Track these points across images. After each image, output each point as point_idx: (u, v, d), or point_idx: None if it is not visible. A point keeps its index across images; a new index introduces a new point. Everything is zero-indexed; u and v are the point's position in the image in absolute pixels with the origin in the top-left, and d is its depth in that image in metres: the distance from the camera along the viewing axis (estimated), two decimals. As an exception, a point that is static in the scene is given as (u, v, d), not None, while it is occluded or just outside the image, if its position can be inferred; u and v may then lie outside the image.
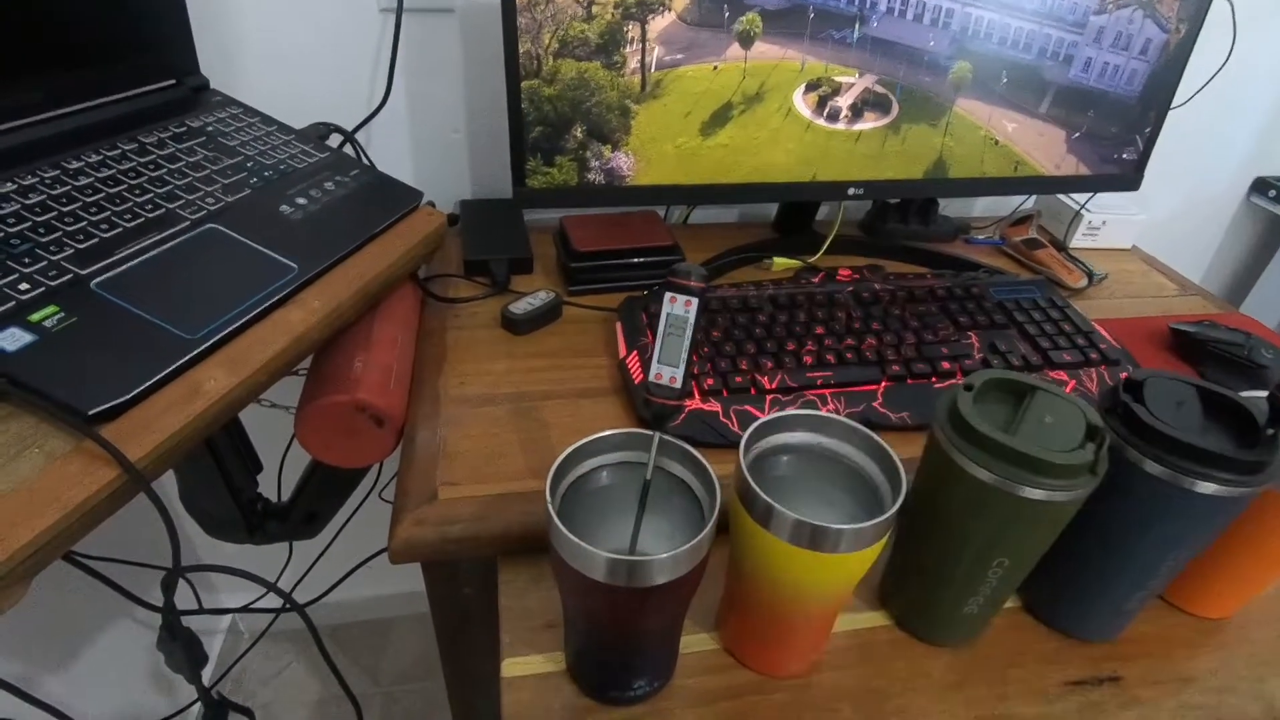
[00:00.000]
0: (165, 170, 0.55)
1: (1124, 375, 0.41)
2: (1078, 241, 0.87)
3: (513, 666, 0.41)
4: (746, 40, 0.61)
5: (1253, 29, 0.90)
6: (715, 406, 0.54)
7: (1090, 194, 0.86)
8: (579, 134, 0.63)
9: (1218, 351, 0.65)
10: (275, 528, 0.72)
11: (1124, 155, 0.75)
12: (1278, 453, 0.36)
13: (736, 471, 0.36)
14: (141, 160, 0.55)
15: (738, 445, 0.36)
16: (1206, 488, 0.36)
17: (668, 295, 0.35)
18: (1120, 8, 0.66)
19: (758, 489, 0.34)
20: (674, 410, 0.36)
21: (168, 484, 0.69)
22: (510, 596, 0.45)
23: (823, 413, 0.39)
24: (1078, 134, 0.72)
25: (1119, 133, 0.73)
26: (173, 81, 0.64)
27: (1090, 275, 0.80)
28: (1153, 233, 0.94)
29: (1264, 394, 0.39)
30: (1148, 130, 0.74)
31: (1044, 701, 0.42)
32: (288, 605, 0.52)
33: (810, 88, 0.65)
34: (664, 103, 0.63)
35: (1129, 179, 0.77)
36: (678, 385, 0.35)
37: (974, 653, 0.44)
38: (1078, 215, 0.86)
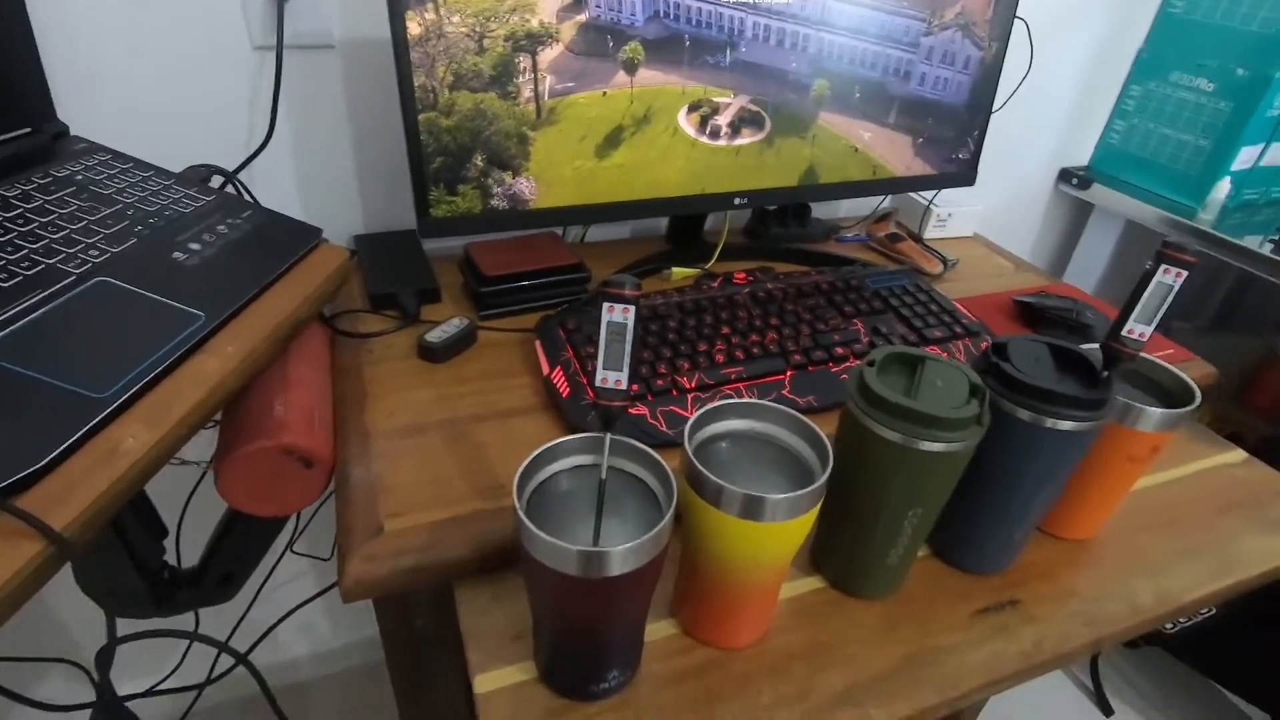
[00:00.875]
0: (36, 224, 0.52)
1: (985, 344, 0.49)
2: (930, 232, 0.99)
3: (485, 682, 0.42)
4: (631, 67, 0.66)
5: (1047, 42, 1.06)
6: (643, 410, 0.58)
7: (936, 191, 0.98)
8: (480, 162, 0.64)
9: (1053, 316, 0.76)
10: (186, 595, 0.67)
11: (959, 155, 0.86)
12: (1113, 391, 0.44)
13: (683, 459, 0.39)
14: (6, 215, 0.51)
15: (668, 444, 0.39)
16: (1065, 425, 0.43)
17: (606, 305, 0.38)
18: (944, 29, 0.76)
19: (706, 471, 0.37)
20: (622, 411, 0.38)
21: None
22: (472, 616, 0.46)
23: (752, 400, 0.43)
24: (921, 139, 0.83)
25: (954, 136, 0.84)
26: (27, 130, 0.59)
27: (945, 261, 0.90)
28: (987, 221, 1.07)
29: (1097, 346, 0.47)
30: (975, 133, 0.86)
31: (961, 630, 0.48)
32: (210, 677, 0.49)
33: (692, 108, 0.70)
34: (560, 128, 0.66)
35: (966, 176, 0.88)
36: (623, 387, 0.38)
37: (899, 600, 0.50)
38: (928, 210, 0.97)
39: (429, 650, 0.53)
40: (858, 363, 0.66)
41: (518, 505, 0.35)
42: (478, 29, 0.59)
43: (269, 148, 0.74)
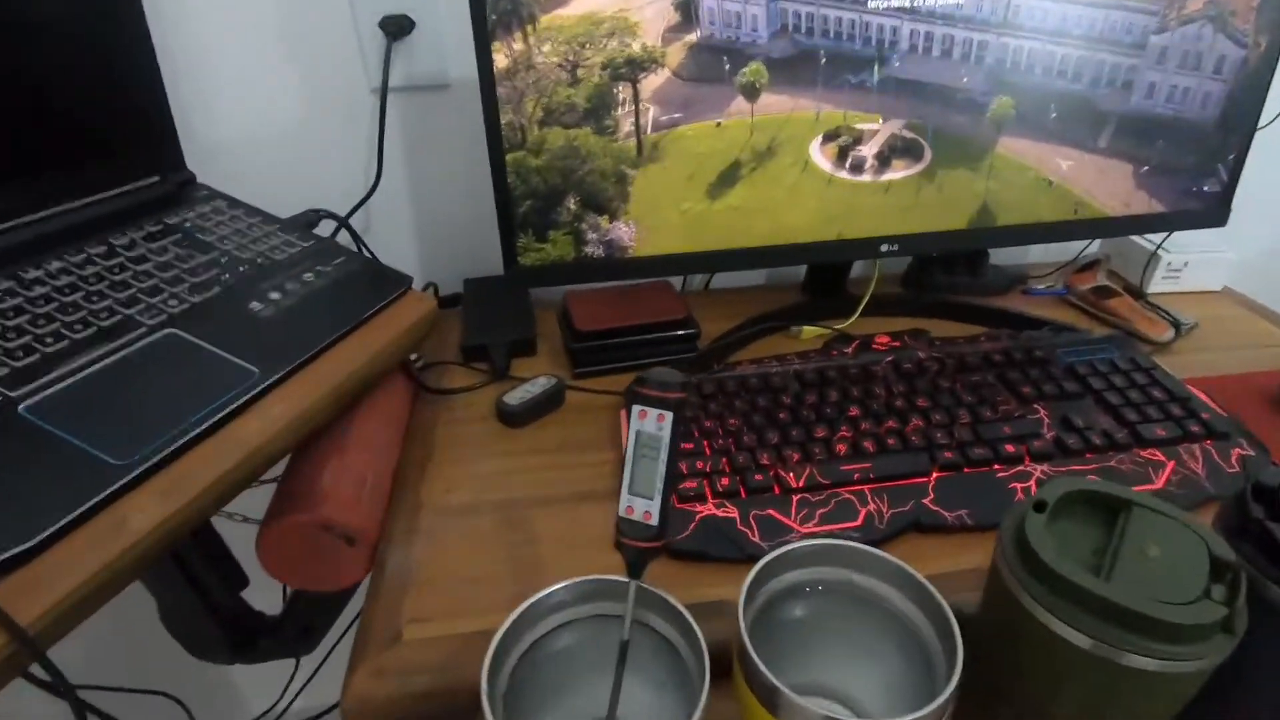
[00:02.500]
0: (131, 273, 0.52)
1: (1236, 453, 0.32)
2: (1157, 286, 0.76)
3: None
4: (752, 93, 0.55)
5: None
6: (732, 511, 0.46)
7: (1167, 233, 0.76)
8: (573, 205, 0.57)
9: (1354, 416, 0.53)
10: (268, 644, 0.66)
11: (1205, 187, 0.65)
12: None
13: (736, 633, 0.28)
14: (106, 264, 0.52)
15: (759, 558, 0.28)
16: (1396, 644, 0.26)
17: (636, 409, 0.28)
18: (1185, 24, 0.58)
19: (762, 667, 0.26)
20: (652, 553, 0.28)
21: (146, 602, 0.64)
22: (482, 767, 0.37)
23: (845, 543, 0.30)
24: (1147, 168, 0.63)
25: (1197, 162, 0.64)
26: (156, 178, 0.62)
27: (1177, 325, 0.69)
28: (1246, 272, 0.82)
29: None
30: (1231, 157, 0.64)
31: None
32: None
33: (828, 138, 0.58)
34: (664, 166, 0.57)
35: (1214, 213, 0.67)
36: (653, 522, 0.27)
37: (1077, 847, 0.34)
38: (1154, 256, 0.75)
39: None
40: (1035, 468, 0.49)
41: (486, 703, 0.26)
42: (570, 58, 0.52)
43: (383, 191, 0.73)
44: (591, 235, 0.59)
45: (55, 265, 0.51)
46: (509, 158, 0.55)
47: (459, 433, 0.58)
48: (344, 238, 0.69)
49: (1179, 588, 0.26)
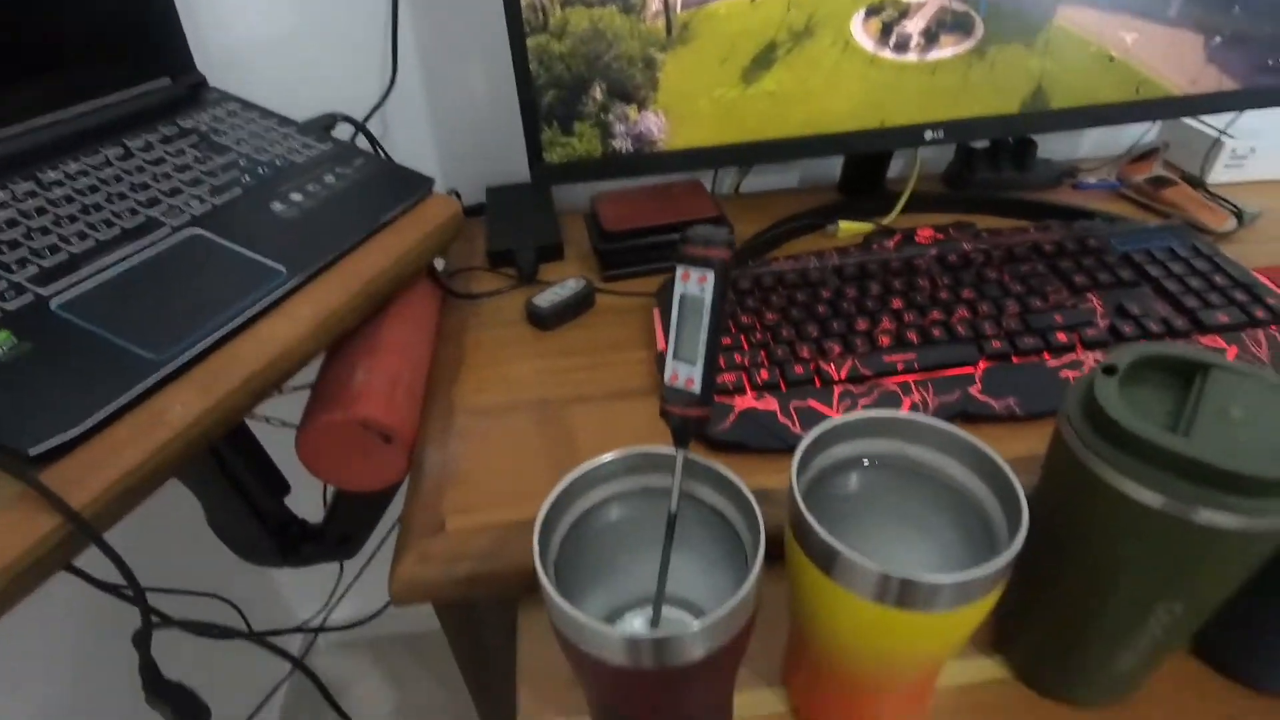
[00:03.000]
0: (149, 174, 0.51)
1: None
2: (1218, 176, 0.72)
3: (531, 736, 0.34)
4: (789, -39, 0.51)
5: None
6: (772, 403, 0.45)
7: (1233, 116, 0.71)
8: (599, 95, 0.54)
9: None
10: (311, 550, 0.68)
11: (1281, 61, 0.60)
12: None
13: (788, 499, 0.27)
14: (124, 166, 0.51)
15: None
16: None
17: (679, 270, 0.26)
18: None
19: (815, 524, 0.25)
20: (697, 422, 0.27)
21: (194, 509, 0.66)
22: (530, 647, 0.38)
23: (900, 414, 0.29)
24: (1220, 39, 0.58)
25: (1276, 31, 0.58)
26: (167, 81, 0.60)
27: (1239, 215, 0.65)
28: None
29: None
30: (1313, 25, 0.59)
31: (1234, 787, 0.31)
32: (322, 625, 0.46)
33: (871, 13, 0.54)
34: (695, 48, 0.53)
35: (1289, 90, 0.62)
36: (695, 388, 0.26)
37: (1128, 711, 0.34)
38: (1217, 143, 0.70)
39: (503, 673, 0.46)
40: (1087, 355, 0.47)
41: (540, 566, 0.25)
42: (593, -74, 0.48)
43: (398, 93, 0.70)
44: (619, 127, 0.56)
45: (73, 167, 0.49)
46: (530, 42, 0.52)
47: (489, 336, 0.57)
48: (361, 143, 0.67)
49: (1262, 446, 0.25)
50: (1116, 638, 0.30)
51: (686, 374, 0.27)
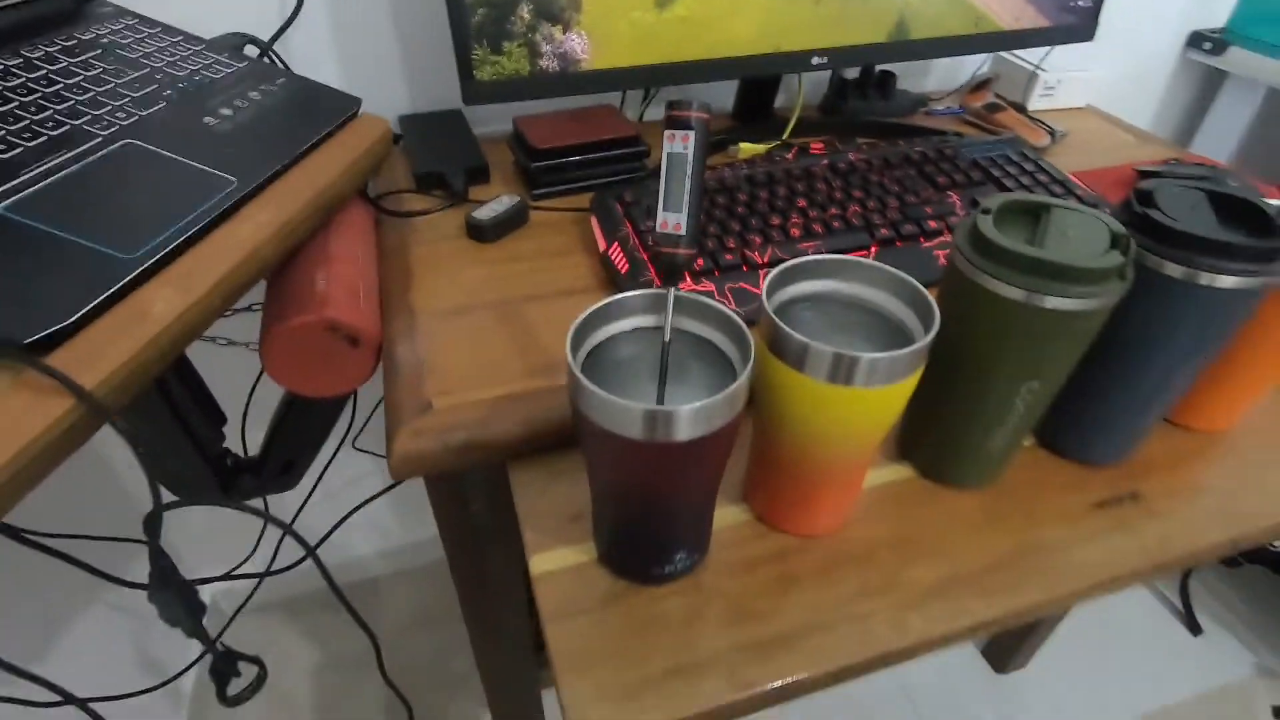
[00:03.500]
0: (60, 85, 0.48)
1: (1131, 189, 0.40)
2: (1035, 104, 0.87)
3: (542, 562, 0.39)
4: (696, -107, 0.57)
5: None
6: (709, 286, 0.52)
7: (1045, 51, 0.85)
8: (526, 14, 0.57)
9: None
10: (249, 483, 0.67)
11: (1078, 2, 0.74)
12: (1290, 242, 0.36)
13: (762, 319, 0.34)
14: (30, 75, 0.48)
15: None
16: (1226, 281, 0.36)
17: (666, 134, 0.32)
18: None
19: (789, 329, 0.32)
20: (686, 260, 0.33)
21: (122, 447, 0.63)
22: (527, 498, 0.43)
23: (841, 256, 0.37)
24: (1035, -18, 0.70)
25: (1074, -22, 0.72)
26: (51, -9, 0.56)
27: (1052, 133, 0.79)
28: (1101, 91, 0.94)
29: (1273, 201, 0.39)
30: (1101, -26, 0.73)
31: (1073, 524, 0.42)
32: (270, 568, 0.48)
33: (766, -54, 0.61)
34: (614, -28, 0.58)
35: (1085, 28, 0.76)
36: (682, 231, 0.32)
37: (999, 491, 0.44)
38: (1034, 76, 0.85)
39: (487, 536, 0.51)
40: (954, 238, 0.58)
41: (572, 363, 0.31)
42: None
43: (305, 19, 0.69)
44: (545, 48, 0.59)
45: (-29, 75, 0.46)
46: (460, -40, 0.54)
47: (432, 250, 0.59)
48: (270, 66, 0.65)
49: (1089, 252, 0.35)
50: (993, 419, 0.40)
51: (674, 220, 0.32)
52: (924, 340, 0.32)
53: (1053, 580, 0.39)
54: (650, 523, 0.35)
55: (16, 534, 0.51)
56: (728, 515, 0.42)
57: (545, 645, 0.36)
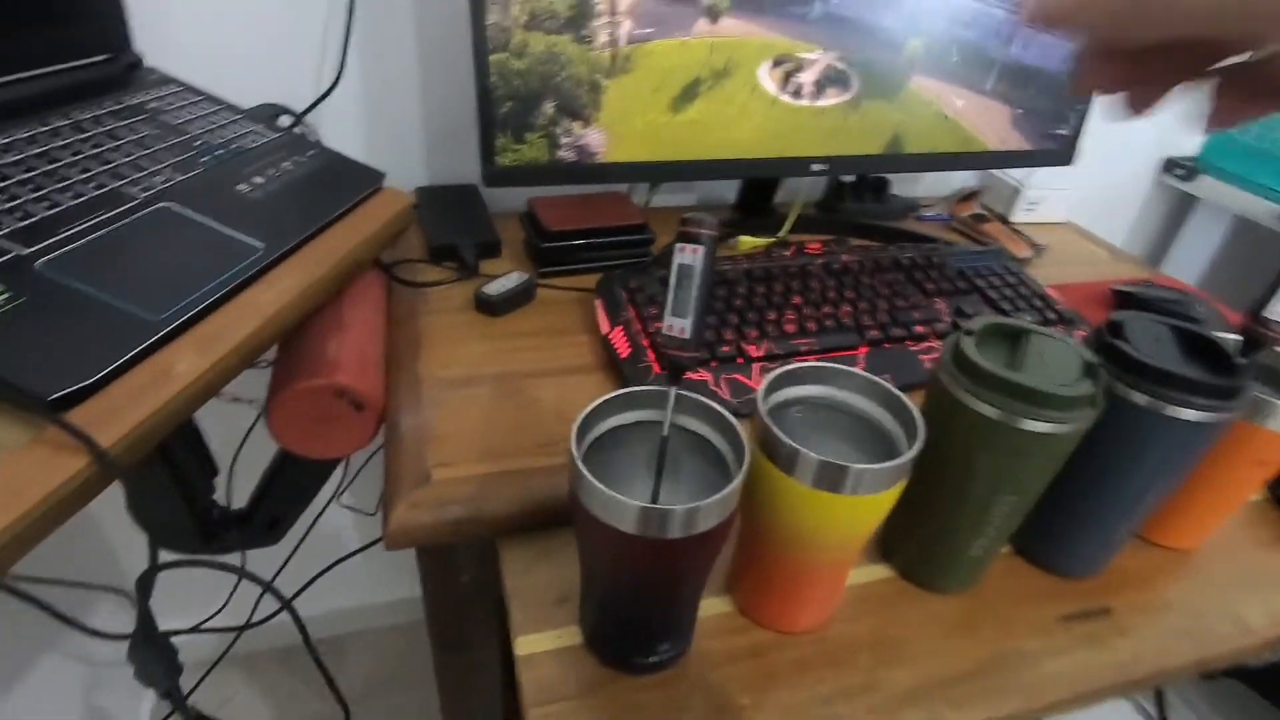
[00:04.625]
0: (106, 148, 0.51)
1: (1082, 333, 0.43)
2: (1018, 216, 0.92)
3: (527, 644, 0.40)
4: (714, 14, 0.62)
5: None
6: (706, 376, 0.54)
7: (1030, 170, 0.91)
8: (549, 110, 0.62)
9: (1160, 309, 0.69)
10: (234, 536, 0.67)
11: (1059, 131, 0.80)
12: (1248, 380, 0.39)
13: (756, 421, 0.36)
14: (79, 136, 0.51)
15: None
16: (1189, 414, 0.38)
17: (678, 246, 0.35)
18: (1056, -12, 0.70)
19: (781, 434, 0.34)
20: (689, 362, 0.35)
21: (113, 492, 0.63)
22: (516, 576, 0.44)
23: (832, 364, 0.39)
24: (1020, 110, 0.76)
25: (1054, 109, 0.77)
26: (105, 57, 0.59)
27: (1035, 246, 0.84)
28: (1079, 208, 1.00)
29: (1231, 336, 0.42)
30: (1079, 107, 0.79)
31: (1045, 636, 0.43)
32: (250, 621, 0.48)
33: (776, 64, 0.66)
34: (634, 78, 0.62)
35: (1064, 154, 0.81)
36: (686, 335, 0.35)
37: (976, 597, 0.45)
38: (1018, 191, 0.90)
39: (471, 609, 0.51)
40: (939, 343, 0.61)
41: (575, 453, 0.32)
42: (556, -35, 0.56)
43: (338, 91, 0.73)
44: (565, 139, 0.63)
45: (23, 134, 0.49)
46: (493, 59, 0.58)
47: (441, 321, 0.62)
48: (301, 135, 0.69)
49: (1063, 379, 0.37)
50: (970, 529, 0.42)
51: (679, 325, 0.35)
52: (909, 454, 0.34)
53: (1025, 693, 0.40)
54: (637, 612, 0.36)
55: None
56: (711, 605, 0.43)
57: (524, 729, 0.37)
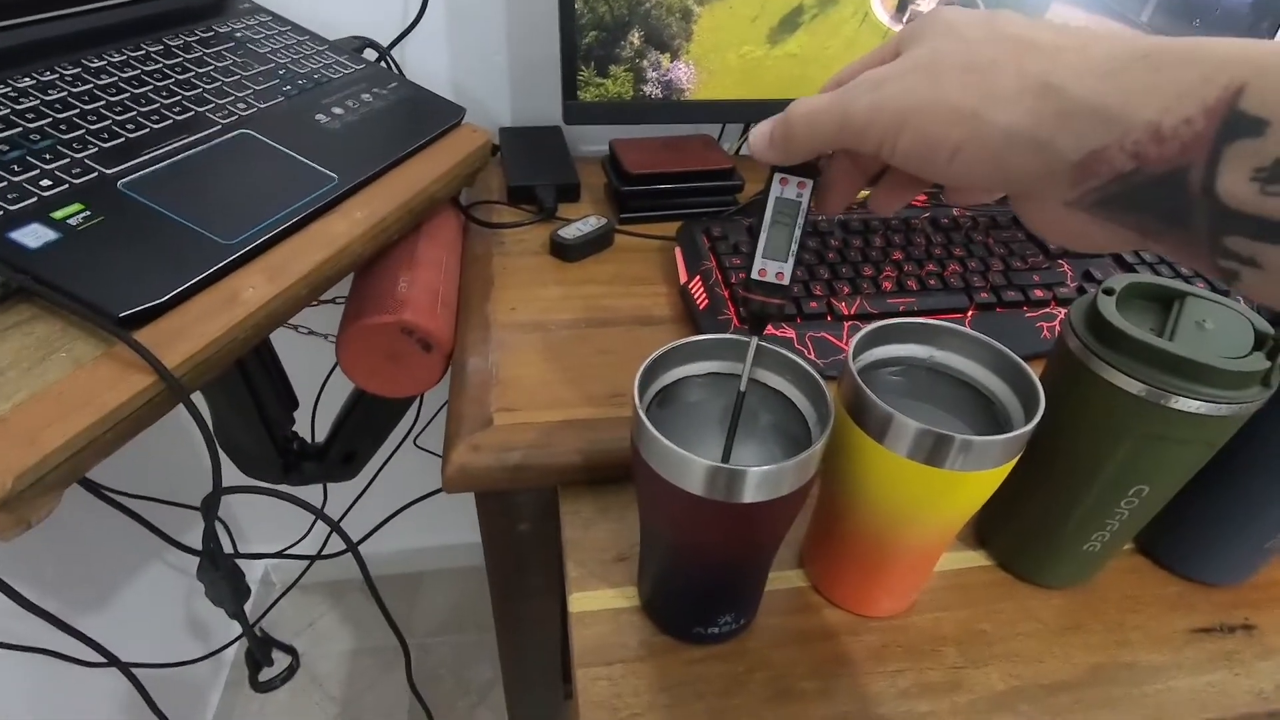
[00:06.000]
0: (193, 74, 0.51)
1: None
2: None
3: (582, 601, 0.38)
4: (823, -68, 0.55)
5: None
6: (789, 333, 0.50)
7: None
8: (635, 40, 0.57)
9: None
10: (312, 468, 0.69)
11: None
12: None
13: (844, 380, 0.32)
14: (167, 62, 0.51)
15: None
16: (1393, 404, 0.31)
17: (777, 177, 0.30)
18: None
19: (873, 395, 0.30)
20: (779, 310, 0.31)
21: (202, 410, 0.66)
22: (575, 529, 0.42)
23: (939, 322, 0.34)
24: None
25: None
26: (198, -15, 0.59)
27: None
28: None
29: None
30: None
31: (1170, 650, 0.38)
32: (330, 548, 0.49)
33: (890, -11, 0.59)
34: (729, 4, 0.57)
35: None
36: (785, 280, 0.30)
37: (1087, 596, 0.40)
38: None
39: (530, 556, 0.50)
40: (1060, 309, 0.54)
41: (638, 404, 0.29)
42: (650, -124, 0.51)
43: (423, 28, 0.71)
44: (651, 74, 0.59)
45: (117, 58, 0.49)
46: (578, -18, 0.54)
47: (514, 264, 0.60)
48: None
49: (1228, 351, 0.31)
50: (1091, 520, 0.36)
51: (776, 269, 0.31)
52: (1026, 427, 0.29)
53: (1141, 711, 0.35)
54: (699, 581, 0.33)
55: (96, 489, 0.53)
56: (781, 578, 0.40)
57: (573, 684, 0.35)
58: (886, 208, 0.31)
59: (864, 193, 0.32)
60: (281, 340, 0.61)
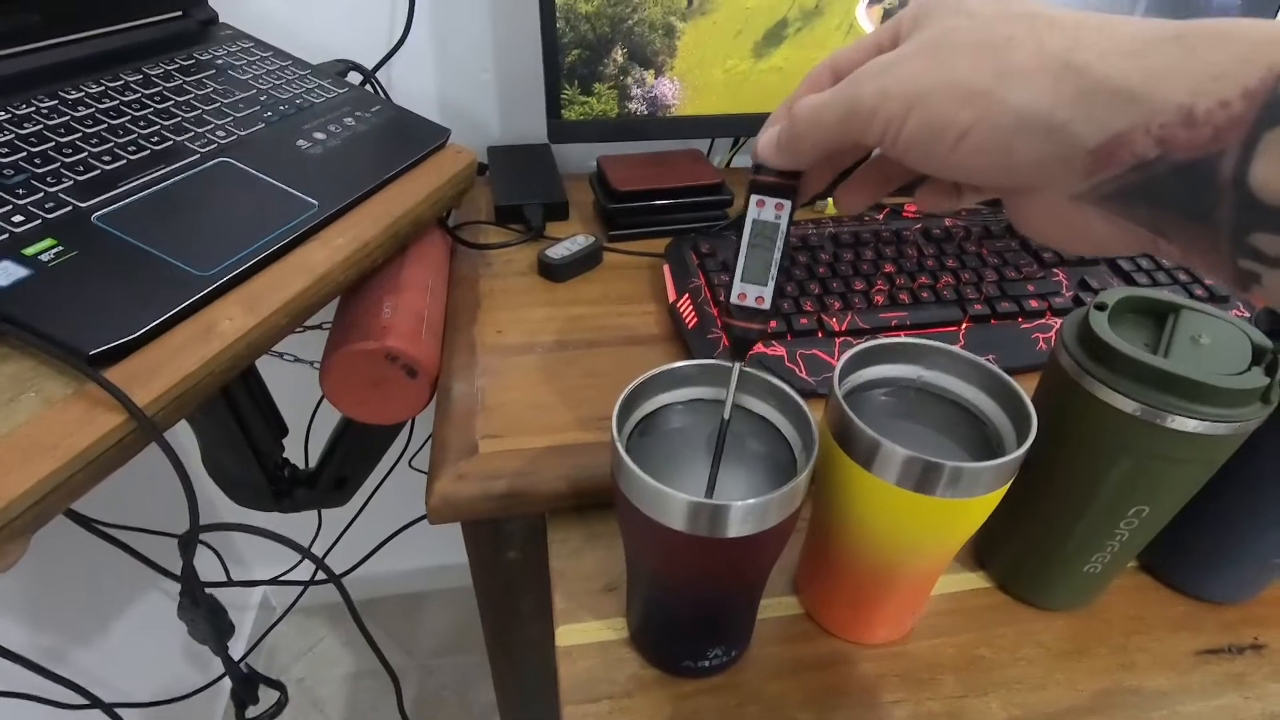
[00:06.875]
0: (172, 103, 0.51)
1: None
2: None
3: (569, 634, 0.37)
4: (805, -56, 0.55)
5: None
6: (780, 350, 0.49)
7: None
8: (619, 57, 0.57)
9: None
10: (303, 495, 0.68)
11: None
12: None
13: (830, 406, 0.31)
14: (146, 91, 0.51)
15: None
16: (1398, 418, 0.30)
17: (754, 199, 0.30)
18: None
19: (860, 422, 0.29)
20: (760, 336, 0.30)
21: (190, 443, 0.65)
22: (562, 558, 0.41)
23: (924, 340, 0.33)
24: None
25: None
26: (179, 13, 0.59)
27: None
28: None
29: None
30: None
31: (1178, 673, 0.36)
32: (320, 575, 0.48)
33: (874, 1, 0.58)
34: (713, 20, 0.56)
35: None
36: (765, 305, 0.30)
37: (1091, 618, 0.39)
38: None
39: (520, 585, 0.49)
40: (1055, 321, 0.53)
41: (616, 437, 0.28)
42: (628, -107, 0.51)
43: (409, 49, 0.71)
44: (636, 91, 0.59)
45: (95, 89, 0.49)
46: (559, 1, 0.54)
47: (502, 285, 0.59)
48: (371, 92, 0.67)
49: (1225, 367, 0.30)
50: (1091, 542, 0.35)
51: (755, 293, 0.30)
52: (1017, 452, 0.28)
53: (1150, 739, 0.34)
54: (686, 615, 0.32)
55: (85, 522, 0.52)
56: (776, 605, 0.39)
57: (562, 726, 0.34)
58: (853, 205, 0.31)
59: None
60: (269, 367, 0.61)
